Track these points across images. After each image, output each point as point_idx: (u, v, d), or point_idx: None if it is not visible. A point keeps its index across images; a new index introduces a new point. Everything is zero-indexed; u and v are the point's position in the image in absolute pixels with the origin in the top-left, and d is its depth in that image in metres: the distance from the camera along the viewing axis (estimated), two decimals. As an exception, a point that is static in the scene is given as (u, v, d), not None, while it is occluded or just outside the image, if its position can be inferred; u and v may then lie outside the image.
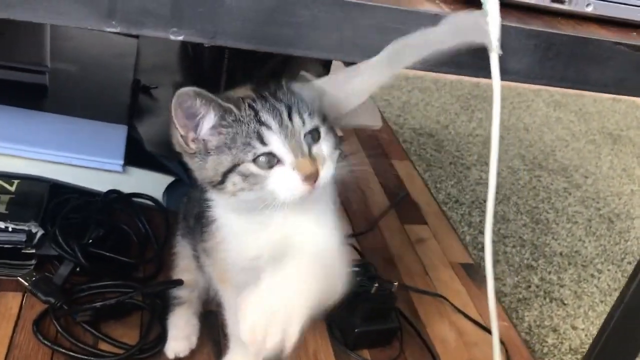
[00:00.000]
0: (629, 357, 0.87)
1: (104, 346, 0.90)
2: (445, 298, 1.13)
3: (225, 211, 0.77)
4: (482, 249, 1.67)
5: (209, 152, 0.69)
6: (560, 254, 1.73)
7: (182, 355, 0.91)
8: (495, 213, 1.91)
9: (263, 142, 0.66)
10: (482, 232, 1.74)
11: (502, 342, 1.06)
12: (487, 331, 1.08)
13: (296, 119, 0.68)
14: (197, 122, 0.68)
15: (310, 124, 0.69)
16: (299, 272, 0.66)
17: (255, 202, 0.69)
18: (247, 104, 0.68)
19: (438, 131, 2.27)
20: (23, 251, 0.97)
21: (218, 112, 0.67)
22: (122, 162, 1.08)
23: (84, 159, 1.06)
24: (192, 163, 0.71)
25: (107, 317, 0.94)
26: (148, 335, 0.92)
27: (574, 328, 1.48)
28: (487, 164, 2.09)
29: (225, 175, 0.68)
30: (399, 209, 1.38)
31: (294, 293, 0.63)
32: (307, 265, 0.67)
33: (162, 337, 0.92)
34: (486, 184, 2.06)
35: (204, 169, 0.69)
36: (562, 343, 1.42)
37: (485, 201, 1.87)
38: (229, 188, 0.68)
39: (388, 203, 1.40)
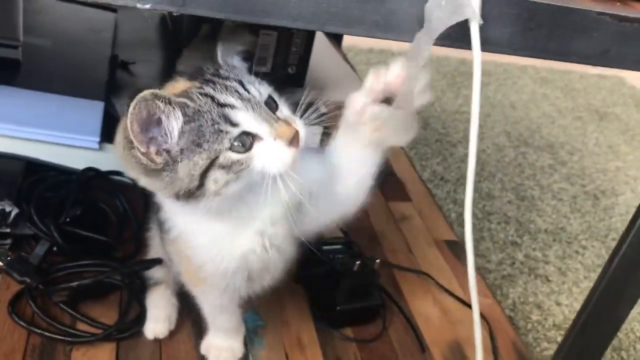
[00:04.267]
0: (609, 333, 0.87)
1: (81, 326, 0.88)
2: (429, 275, 1.13)
3: (193, 223, 0.71)
4: (467, 226, 1.67)
5: (175, 160, 0.62)
6: (545, 230, 1.73)
7: (161, 336, 0.90)
8: (480, 190, 1.92)
9: (232, 123, 0.62)
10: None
11: (485, 319, 1.05)
12: (471, 308, 1.07)
13: (252, 89, 0.65)
14: (161, 130, 0.61)
15: (265, 91, 0.66)
16: None
17: (243, 191, 0.65)
18: (197, 94, 0.63)
19: (424, 108, 2.25)
20: (-3, 231, 0.95)
21: (180, 110, 0.61)
22: (99, 138, 1.05)
23: (60, 136, 1.03)
24: (159, 180, 0.63)
25: (85, 297, 0.92)
26: (127, 315, 0.91)
27: (558, 304, 1.48)
28: (473, 141, 2.08)
29: (203, 176, 0.62)
30: (382, 187, 1.37)
31: None
32: None
33: (142, 317, 0.91)
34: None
35: (177, 180, 0.62)
36: (545, 319, 1.43)
37: (470, 178, 1.86)
38: (211, 188, 0.63)
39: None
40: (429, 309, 1.06)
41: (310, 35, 1.41)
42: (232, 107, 0.62)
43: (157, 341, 0.89)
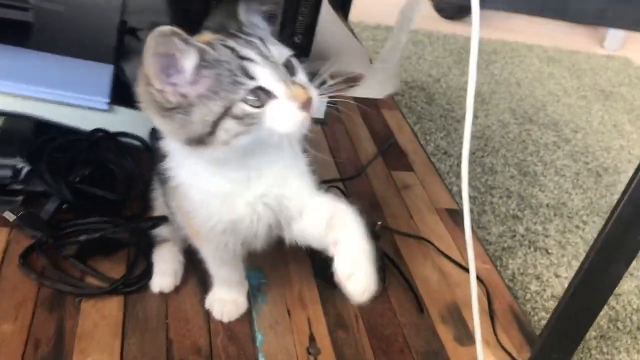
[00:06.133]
0: (602, 296, 0.89)
1: (90, 280, 0.91)
2: (428, 241, 1.15)
3: (194, 174, 0.74)
4: (470, 199, 1.68)
5: (191, 104, 0.64)
6: (547, 205, 1.75)
7: (166, 290, 0.93)
8: (483, 165, 1.93)
9: (250, 76, 0.64)
10: (470, 183, 1.75)
11: (483, 283, 1.08)
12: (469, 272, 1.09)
13: (273, 48, 0.67)
14: (177, 69, 0.63)
15: (285, 52, 0.69)
16: (361, 234, 0.71)
17: (249, 147, 0.67)
18: (219, 44, 0.66)
19: (429, 84, 2.26)
20: (9, 187, 0.97)
21: (198, 53, 0.64)
22: (108, 99, 1.08)
23: (70, 97, 1.06)
24: (172, 122, 0.66)
25: (94, 253, 0.95)
26: (133, 270, 0.94)
27: (557, 276, 1.50)
28: (477, 116, 2.10)
29: (216, 123, 0.64)
30: (386, 157, 1.39)
31: (368, 249, 0.70)
32: (359, 227, 0.72)
33: (148, 272, 0.93)
34: (476, 137, 2.06)
35: (190, 124, 0.65)
36: (544, 290, 1.45)
37: (474, 153, 1.88)
38: (221, 137, 0.65)
39: (376, 150, 1.40)
40: (427, 273, 1.09)
41: (316, 4, 1.43)
42: (251, 60, 0.65)
43: (163, 295, 0.92)
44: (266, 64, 0.65)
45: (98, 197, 1.02)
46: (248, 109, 0.64)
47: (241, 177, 0.73)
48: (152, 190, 1.00)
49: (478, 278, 1.09)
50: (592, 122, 2.28)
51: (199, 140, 0.66)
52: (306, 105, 0.66)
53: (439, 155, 1.85)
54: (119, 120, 1.10)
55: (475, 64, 0.60)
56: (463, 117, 2.23)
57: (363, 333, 0.94)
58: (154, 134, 1.11)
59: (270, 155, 0.72)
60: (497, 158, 1.90)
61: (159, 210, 0.99)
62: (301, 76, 0.70)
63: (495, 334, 0.99)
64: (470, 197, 1.69)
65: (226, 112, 0.64)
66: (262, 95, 0.65)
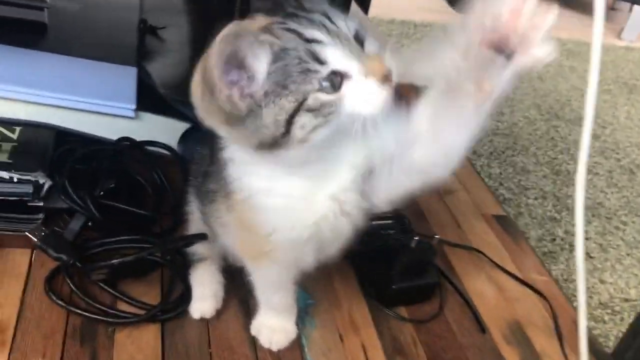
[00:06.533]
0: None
1: (123, 306, 0.83)
2: (480, 252, 1.06)
3: (269, 180, 0.65)
4: (505, 201, 1.61)
5: (259, 105, 0.56)
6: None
7: (208, 316, 0.84)
8: (515, 164, 1.85)
9: (321, 61, 0.55)
10: (502, 184, 1.67)
11: (545, 298, 1.00)
12: (528, 286, 1.01)
13: (339, 21, 0.57)
14: (244, 72, 0.55)
15: (352, 24, 0.58)
16: None
17: (329, 141, 0.59)
18: (280, 29, 0.57)
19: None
20: (30, 204, 0.88)
21: (271, 51, 0.55)
22: (134, 106, 0.98)
23: (93, 104, 0.96)
24: (242, 129, 0.57)
25: (124, 275, 0.86)
26: (170, 294, 0.85)
27: (602, 282, 1.42)
28: (503, 113, 2.01)
29: (290, 121, 0.56)
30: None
31: None
32: None
33: (186, 296, 0.85)
34: (504, 135, 1.95)
35: (261, 128, 0.57)
36: (591, 297, 1.37)
37: (503, 152, 1.80)
38: (298, 135, 0.57)
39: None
40: (483, 287, 1.00)
41: (347, 1, 1.34)
42: (319, 42, 0.56)
43: (203, 321, 0.83)
44: (336, 42, 0.56)
45: (125, 213, 0.93)
46: (324, 97, 0.56)
47: (320, 171, 0.65)
48: (187, 204, 0.91)
49: (537, 292, 1.01)
50: (618, 117, 2.20)
51: (273, 143, 0.58)
52: (387, 78, 0.57)
53: (467, 155, 1.76)
54: (145, 128, 1.01)
55: (597, 67, 0.52)
56: (488, 113, 2.13)
57: (423, 358, 0.86)
58: (185, 140, 1.03)
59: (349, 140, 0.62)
60: (527, 157, 1.82)
61: (194, 225, 0.90)
62: (370, 45, 0.59)
63: (565, 356, 0.91)
64: (505, 199, 1.61)
65: (300, 107, 0.56)
66: (336, 78, 0.56)
